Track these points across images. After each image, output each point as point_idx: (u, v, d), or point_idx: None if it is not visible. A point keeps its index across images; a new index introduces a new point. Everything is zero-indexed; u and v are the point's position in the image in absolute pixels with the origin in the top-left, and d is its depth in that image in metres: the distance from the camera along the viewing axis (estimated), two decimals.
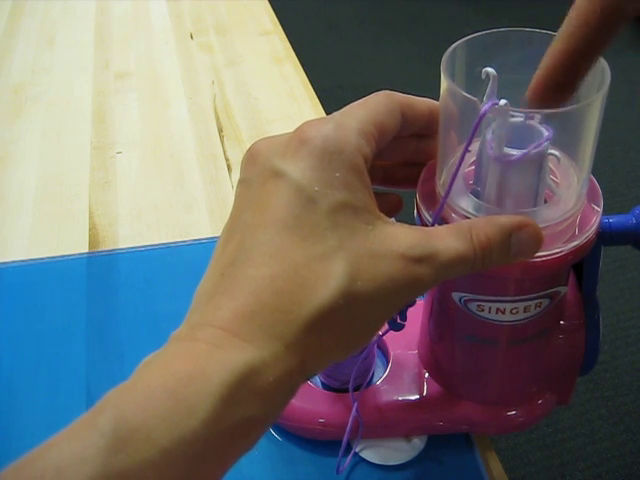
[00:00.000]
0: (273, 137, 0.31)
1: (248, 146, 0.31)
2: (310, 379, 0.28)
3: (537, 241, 0.30)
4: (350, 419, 0.41)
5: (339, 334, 0.27)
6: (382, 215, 0.29)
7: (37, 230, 0.62)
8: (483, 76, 0.29)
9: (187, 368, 0.24)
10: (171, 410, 0.23)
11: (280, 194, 0.28)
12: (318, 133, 0.29)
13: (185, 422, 0.23)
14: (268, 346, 0.25)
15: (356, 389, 0.43)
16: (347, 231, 0.27)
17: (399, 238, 0.28)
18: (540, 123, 0.30)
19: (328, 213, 0.27)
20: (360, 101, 0.31)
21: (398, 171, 0.36)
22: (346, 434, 0.41)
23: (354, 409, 0.41)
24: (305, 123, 0.30)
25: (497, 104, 0.28)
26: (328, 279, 0.26)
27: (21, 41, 0.91)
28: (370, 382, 0.44)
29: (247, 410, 0.25)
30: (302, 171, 0.28)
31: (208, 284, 0.28)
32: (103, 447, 0.23)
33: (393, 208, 0.37)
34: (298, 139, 0.29)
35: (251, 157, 0.30)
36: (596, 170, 0.32)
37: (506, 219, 0.30)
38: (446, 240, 0.28)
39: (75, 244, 0.60)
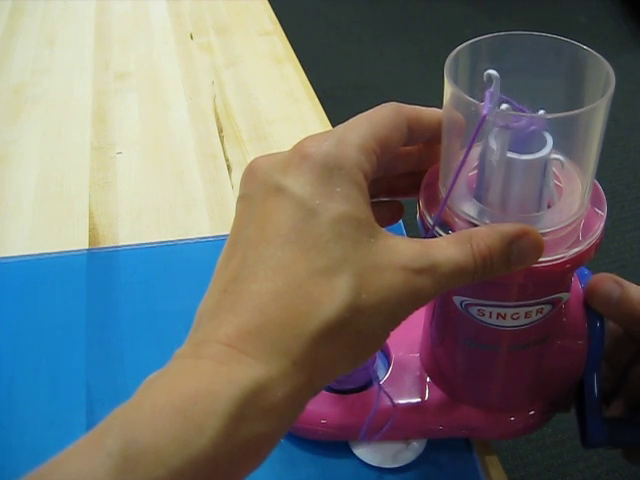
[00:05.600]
0: (273, 154, 0.31)
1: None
2: (317, 393, 0.28)
3: (538, 249, 0.30)
4: (372, 412, 0.41)
5: (345, 347, 0.27)
6: (382, 229, 0.29)
7: (37, 230, 0.61)
8: (485, 79, 0.29)
9: (194, 386, 0.24)
10: (180, 429, 0.23)
11: (281, 209, 0.28)
12: (318, 149, 0.28)
13: (194, 441, 0.23)
14: (275, 362, 0.25)
15: (357, 390, 0.43)
16: (350, 243, 0.27)
17: (400, 250, 0.28)
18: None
19: (330, 225, 0.27)
20: (365, 114, 0.31)
21: (402, 180, 0.36)
22: (367, 421, 0.40)
23: (376, 405, 0.41)
24: (306, 138, 0.30)
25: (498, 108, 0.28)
26: (333, 293, 0.26)
27: (21, 41, 0.91)
28: (371, 384, 0.44)
29: (256, 427, 0.24)
30: (303, 186, 0.28)
31: (211, 301, 0.28)
32: (112, 467, 0.22)
33: (395, 215, 0.37)
34: (299, 155, 0.29)
35: (251, 173, 0.30)
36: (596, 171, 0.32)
37: (506, 227, 0.29)
38: (446, 251, 0.29)
39: (75, 244, 0.60)
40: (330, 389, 0.44)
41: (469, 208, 0.32)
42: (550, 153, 0.30)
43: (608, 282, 0.38)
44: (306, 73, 0.83)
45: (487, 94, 0.28)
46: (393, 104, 0.31)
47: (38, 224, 0.62)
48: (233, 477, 0.25)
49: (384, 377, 0.44)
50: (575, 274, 0.40)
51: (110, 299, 0.55)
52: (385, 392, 0.41)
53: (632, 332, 0.39)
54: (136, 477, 0.22)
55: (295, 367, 0.26)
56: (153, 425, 0.23)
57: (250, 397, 0.24)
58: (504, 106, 0.28)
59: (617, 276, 0.38)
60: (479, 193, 0.32)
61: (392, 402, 0.41)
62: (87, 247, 0.59)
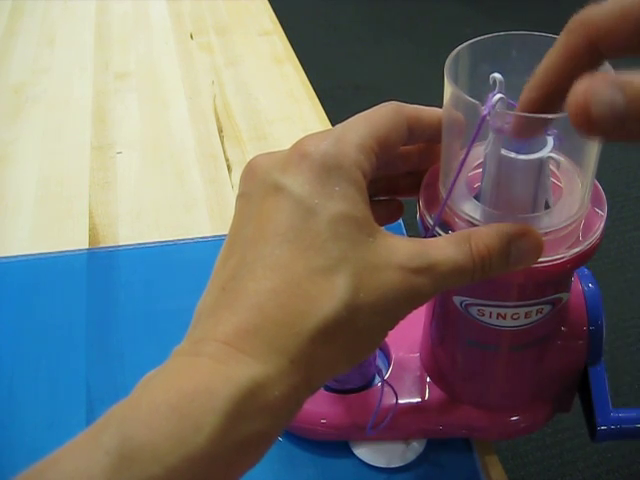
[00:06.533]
0: (272, 152, 0.31)
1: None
2: (315, 392, 0.28)
3: (537, 249, 0.30)
4: (377, 405, 0.40)
5: (343, 346, 0.27)
6: (381, 228, 0.29)
7: (37, 230, 0.61)
8: (491, 82, 0.29)
9: (191, 384, 0.24)
10: (176, 427, 0.23)
11: (280, 208, 0.28)
12: (317, 148, 0.28)
13: (191, 439, 0.23)
14: (273, 361, 0.25)
15: (357, 390, 0.43)
16: (349, 243, 0.27)
17: (398, 250, 0.28)
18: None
19: (328, 224, 0.27)
20: (365, 113, 0.31)
21: (402, 180, 0.36)
22: (374, 414, 0.40)
23: (380, 399, 0.41)
24: (305, 137, 0.30)
25: (499, 104, 0.28)
26: (331, 292, 0.26)
27: (21, 41, 0.91)
28: (371, 384, 0.44)
29: (253, 425, 0.24)
30: (301, 185, 0.28)
31: (209, 299, 0.28)
32: (108, 465, 0.22)
33: (394, 214, 0.37)
34: (298, 154, 0.29)
35: (250, 171, 0.30)
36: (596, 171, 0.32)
37: (505, 227, 0.29)
38: (445, 251, 0.28)
39: (75, 244, 0.60)
40: (330, 389, 0.44)
41: (469, 208, 0.32)
42: (548, 153, 0.30)
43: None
44: (306, 73, 0.83)
45: (489, 95, 0.28)
46: (393, 103, 0.31)
47: (38, 224, 0.62)
48: (230, 475, 0.25)
49: (384, 377, 0.44)
50: (575, 274, 0.40)
51: (110, 299, 0.55)
52: (390, 385, 0.41)
53: None
54: (132, 475, 0.22)
55: (292, 366, 0.26)
56: (150, 423, 0.23)
57: (247, 395, 0.24)
58: (498, 96, 0.28)
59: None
60: (480, 193, 0.32)
61: (396, 396, 0.41)
62: (87, 247, 0.59)
